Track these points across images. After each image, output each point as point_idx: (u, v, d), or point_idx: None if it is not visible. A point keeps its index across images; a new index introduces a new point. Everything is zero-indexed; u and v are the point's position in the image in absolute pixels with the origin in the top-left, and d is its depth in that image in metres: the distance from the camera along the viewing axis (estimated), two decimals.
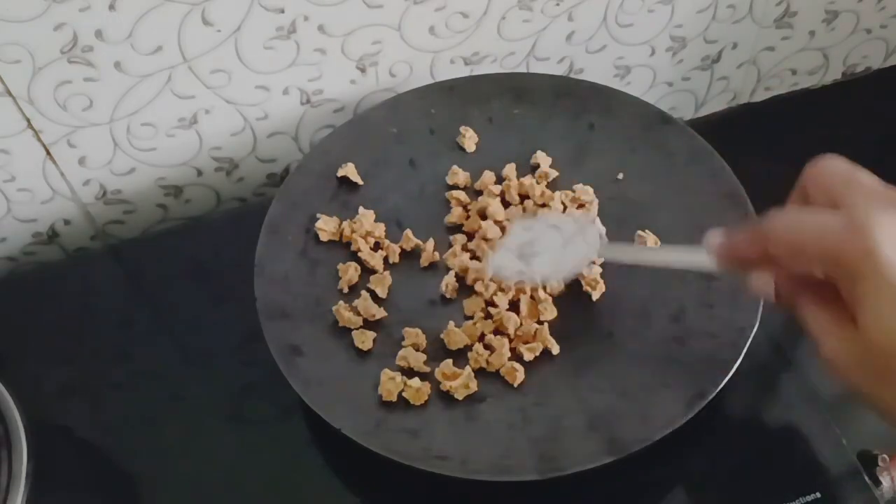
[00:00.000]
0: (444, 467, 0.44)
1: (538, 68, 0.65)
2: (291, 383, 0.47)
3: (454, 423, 0.47)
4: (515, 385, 0.48)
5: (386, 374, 0.48)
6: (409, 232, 0.54)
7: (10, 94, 0.53)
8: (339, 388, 0.48)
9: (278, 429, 0.51)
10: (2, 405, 0.50)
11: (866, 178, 0.36)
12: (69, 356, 0.54)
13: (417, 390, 0.47)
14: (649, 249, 0.52)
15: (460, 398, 0.48)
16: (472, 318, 0.51)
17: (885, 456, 0.47)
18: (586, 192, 0.55)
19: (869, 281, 0.32)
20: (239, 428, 0.51)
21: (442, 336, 0.50)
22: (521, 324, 0.50)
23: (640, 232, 0.53)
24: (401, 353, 0.49)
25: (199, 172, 0.62)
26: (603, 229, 0.52)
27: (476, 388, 0.48)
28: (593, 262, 0.51)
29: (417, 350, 0.49)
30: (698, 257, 0.40)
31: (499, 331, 0.50)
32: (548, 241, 0.49)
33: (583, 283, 0.51)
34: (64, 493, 0.49)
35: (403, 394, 0.47)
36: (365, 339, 0.50)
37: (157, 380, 0.53)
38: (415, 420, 0.47)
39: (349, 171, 0.56)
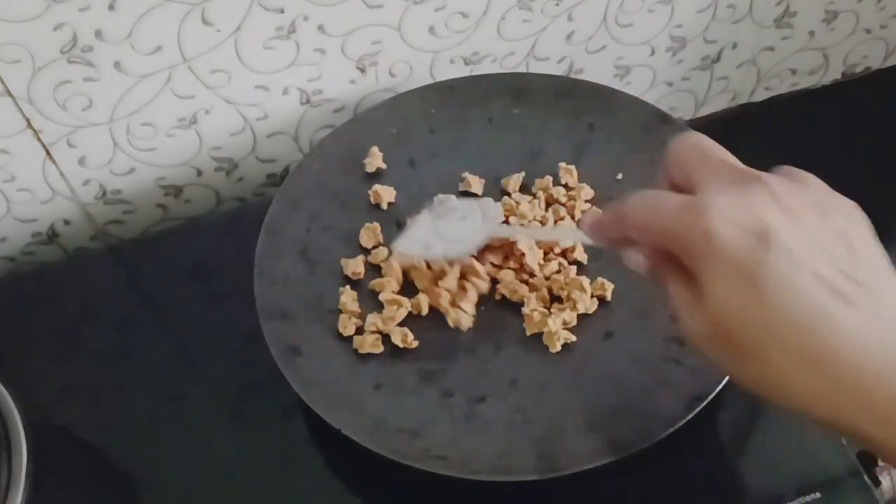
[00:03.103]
0: (444, 467, 0.44)
1: (538, 68, 0.65)
2: (291, 383, 0.47)
3: (454, 423, 0.47)
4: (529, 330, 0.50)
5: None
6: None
7: (9, 94, 0.53)
8: (339, 388, 0.48)
9: (278, 429, 0.51)
10: (2, 405, 0.50)
11: (719, 157, 0.36)
12: (69, 356, 0.54)
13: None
14: (542, 230, 0.54)
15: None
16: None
17: None
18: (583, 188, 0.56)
19: (707, 259, 0.33)
20: (239, 428, 0.51)
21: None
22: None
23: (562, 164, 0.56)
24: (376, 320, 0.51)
25: (199, 172, 0.62)
26: (500, 207, 0.53)
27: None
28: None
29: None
30: (580, 235, 0.42)
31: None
32: (450, 222, 0.52)
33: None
34: (64, 493, 0.49)
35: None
36: (364, 343, 0.50)
37: (157, 380, 0.53)
38: (415, 420, 0.47)
39: (374, 154, 0.57)
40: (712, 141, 0.38)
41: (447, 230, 0.51)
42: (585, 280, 0.51)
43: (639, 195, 0.37)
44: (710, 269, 0.33)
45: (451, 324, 0.50)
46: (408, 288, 0.53)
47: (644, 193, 0.37)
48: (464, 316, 0.50)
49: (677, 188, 0.37)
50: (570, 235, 0.50)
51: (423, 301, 0.51)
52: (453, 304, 0.51)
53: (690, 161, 0.37)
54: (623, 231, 0.37)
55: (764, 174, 0.35)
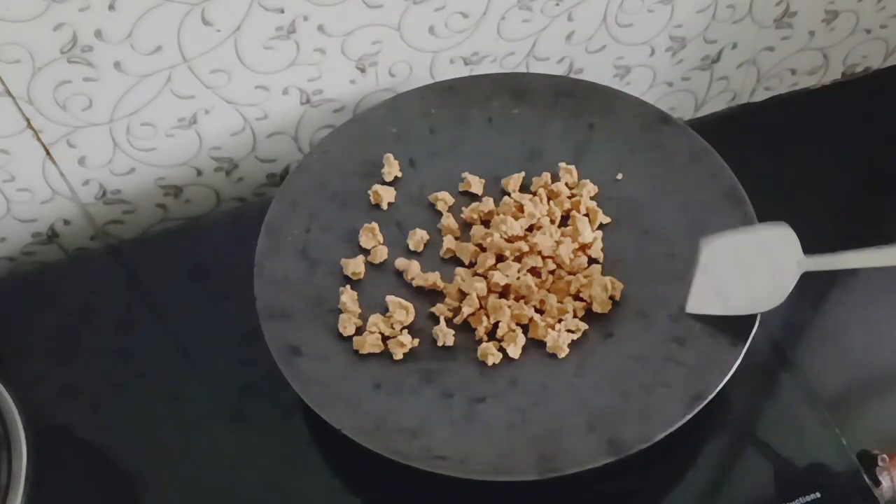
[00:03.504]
0: (444, 467, 0.44)
1: (538, 68, 0.65)
2: (291, 383, 0.47)
3: (454, 423, 0.47)
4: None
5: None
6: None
7: (9, 94, 0.53)
8: (339, 388, 0.48)
9: (278, 429, 0.51)
10: (2, 405, 0.50)
11: None
12: (69, 356, 0.54)
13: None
14: (867, 252, 0.45)
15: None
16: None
17: (884, 456, 0.47)
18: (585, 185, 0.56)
19: None
20: (239, 428, 0.51)
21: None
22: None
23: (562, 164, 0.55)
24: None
25: (199, 172, 0.62)
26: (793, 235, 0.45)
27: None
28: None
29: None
30: None
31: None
32: (740, 268, 0.45)
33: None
34: (64, 493, 0.49)
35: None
36: (364, 343, 0.50)
37: (157, 380, 0.53)
38: (415, 420, 0.47)
39: (390, 162, 0.57)
40: None
41: (744, 273, 0.45)
42: (608, 279, 0.51)
43: None
44: None
45: (480, 356, 0.49)
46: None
47: None
48: (495, 356, 0.49)
49: None
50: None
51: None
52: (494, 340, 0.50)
53: None
54: None
55: None
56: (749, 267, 0.46)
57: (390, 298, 0.51)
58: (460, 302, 0.51)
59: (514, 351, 0.49)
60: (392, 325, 0.50)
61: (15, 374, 0.52)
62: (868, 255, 0.44)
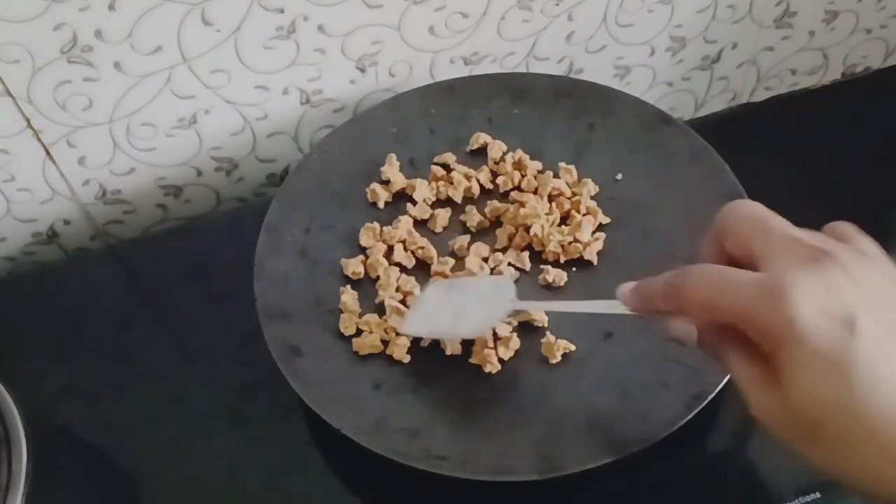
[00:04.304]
0: (444, 467, 0.44)
1: (538, 68, 0.65)
2: (291, 383, 0.47)
3: (454, 423, 0.47)
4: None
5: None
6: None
7: (9, 94, 0.53)
8: (339, 388, 0.48)
9: (278, 429, 0.51)
10: (2, 405, 0.50)
11: (781, 228, 0.34)
12: (69, 356, 0.54)
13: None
14: (564, 303, 0.50)
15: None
16: None
17: None
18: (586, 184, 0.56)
19: (791, 348, 0.31)
20: (239, 428, 0.51)
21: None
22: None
23: (562, 164, 0.56)
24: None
25: (199, 172, 0.62)
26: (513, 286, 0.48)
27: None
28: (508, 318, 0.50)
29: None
30: (613, 306, 0.40)
31: None
32: (461, 299, 0.48)
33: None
34: (64, 493, 0.49)
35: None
36: (364, 345, 0.50)
37: (157, 380, 0.53)
38: (415, 420, 0.47)
39: (391, 163, 0.57)
40: (767, 210, 0.36)
41: (460, 307, 0.48)
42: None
43: (700, 270, 0.35)
44: (794, 356, 0.31)
45: (477, 361, 0.49)
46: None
47: (707, 269, 0.35)
48: (494, 361, 0.49)
49: (729, 257, 0.36)
50: (601, 307, 0.43)
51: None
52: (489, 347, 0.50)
53: (750, 233, 0.35)
54: (677, 305, 0.35)
55: (831, 247, 0.33)
56: (465, 302, 0.48)
57: (389, 302, 0.51)
58: None
59: (506, 353, 0.49)
60: (386, 329, 0.50)
61: (15, 374, 0.52)
62: (577, 305, 0.48)
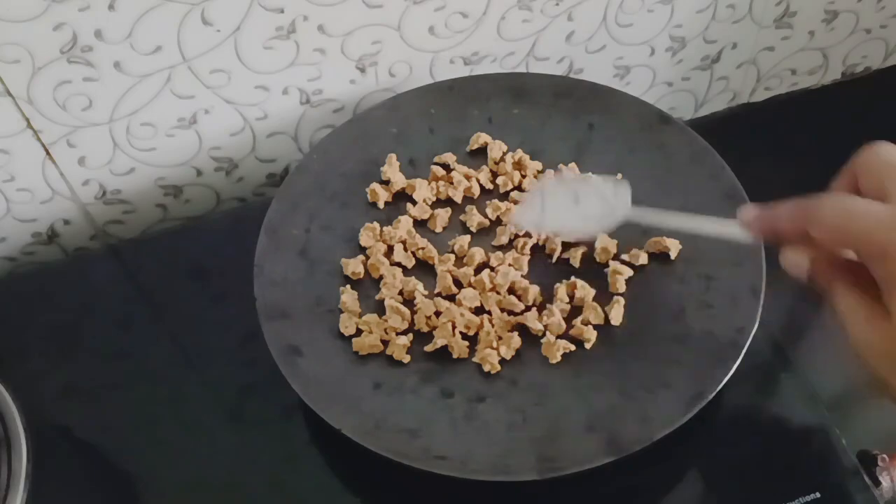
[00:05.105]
0: (443, 467, 0.44)
1: (538, 68, 0.65)
2: (291, 383, 0.47)
3: (454, 423, 0.47)
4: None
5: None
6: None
7: (9, 94, 0.53)
8: (338, 388, 0.48)
9: (278, 429, 0.51)
10: (2, 405, 0.50)
11: None
12: (69, 356, 0.54)
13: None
14: (681, 216, 0.48)
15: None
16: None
17: (884, 456, 0.47)
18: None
19: None
20: (239, 428, 0.51)
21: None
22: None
23: (562, 164, 0.56)
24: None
25: (199, 172, 0.62)
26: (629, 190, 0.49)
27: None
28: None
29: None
30: (730, 228, 0.41)
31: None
32: (572, 198, 0.49)
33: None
34: (64, 493, 0.49)
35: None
36: (363, 345, 0.50)
37: (157, 380, 0.53)
38: (415, 420, 0.47)
39: (391, 162, 0.57)
40: None
41: (574, 206, 0.48)
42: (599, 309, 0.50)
43: (837, 197, 0.36)
44: None
45: (477, 361, 0.49)
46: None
47: (843, 197, 0.36)
48: (495, 362, 0.49)
49: (860, 195, 0.37)
50: (719, 227, 0.43)
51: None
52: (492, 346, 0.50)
53: (886, 171, 0.36)
54: (801, 231, 0.37)
55: None
56: (580, 204, 0.49)
57: (389, 303, 0.51)
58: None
59: (506, 353, 0.49)
60: (386, 329, 0.50)
61: (15, 374, 0.52)
62: (693, 221, 0.47)
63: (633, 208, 0.47)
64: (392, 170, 0.57)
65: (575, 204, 0.49)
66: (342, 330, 0.50)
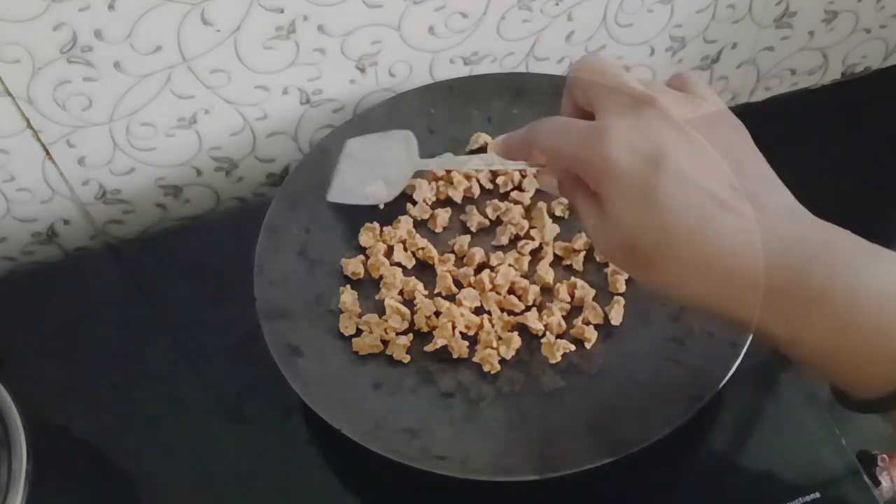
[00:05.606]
0: (443, 467, 0.44)
1: (538, 68, 0.65)
2: (291, 383, 0.47)
3: (454, 423, 0.47)
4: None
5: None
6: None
7: (9, 94, 0.53)
8: (338, 388, 0.48)
9: (278, 429, 0.51)
10: (2, 405, 0.50)
11: (617, 81, 0.38)
12: (69, 356, 0.54)
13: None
14: (461, 159, 0.55)
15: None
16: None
17: (884, 456, 0.47)
18: None
19: (608, 183, 0.36)
20: (239, 428, 0.51)
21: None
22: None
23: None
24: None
25: (199, 172, 0.62)
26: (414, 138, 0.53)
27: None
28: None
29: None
30: (498, 159, 0.44)
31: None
32: (372, 164, 0.53)
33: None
34: (64, 493, 0.49)
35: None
36: (363, 345, 0.50)
37: (157, 380, 0.53)
38: (415, 420, 0.47)
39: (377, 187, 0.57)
40: (611, 61, 0.40)
41: (377, 168, 0.52)
42: (598, 309, 0.51)
43: (547, 121, 0.39)
44: (612, 192, 0.36)
45: (477, 361, 0.49)
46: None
47: (552, 120, 0.39)
48: (495, 362, 0.49)
49: (580, 110, 0.40)
50: (490, 161, 0.50)
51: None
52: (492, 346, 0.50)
53: (590, 85, 0.39)
54: (530, 154, 0.41)
55: (658, 92, 0.37)
56: (378, 164, 0.53)
57: (389, 303, 0.51)
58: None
59: (506, 353, 0.49)
60: (386, 329, 0.50)
61: (15, 374, 0.52)
62: (473, 160, 0.53)
63: (419, 160, 0.52)
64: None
65: (375, 167, 0.53)
66: (342, 330, 0.50)
